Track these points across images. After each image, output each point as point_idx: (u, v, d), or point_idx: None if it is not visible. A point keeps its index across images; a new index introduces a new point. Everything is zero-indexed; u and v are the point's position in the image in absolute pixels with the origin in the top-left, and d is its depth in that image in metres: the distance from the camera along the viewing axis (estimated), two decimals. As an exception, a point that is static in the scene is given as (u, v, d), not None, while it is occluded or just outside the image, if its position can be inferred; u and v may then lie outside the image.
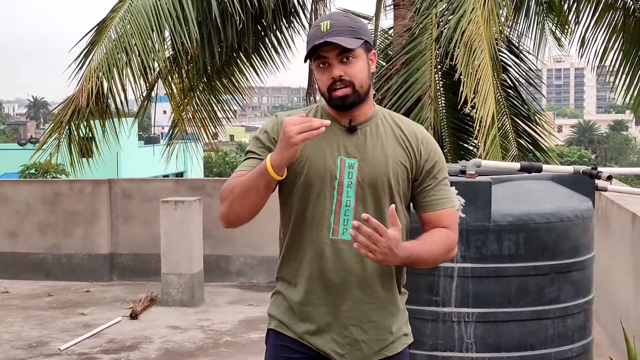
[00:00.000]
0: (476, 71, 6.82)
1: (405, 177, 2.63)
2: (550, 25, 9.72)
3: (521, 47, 8.87)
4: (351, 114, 2.61)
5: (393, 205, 2.42)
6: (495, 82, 7.82)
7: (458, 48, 7.05)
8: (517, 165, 4.14)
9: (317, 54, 2.54)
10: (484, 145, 6.86)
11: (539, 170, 4.07)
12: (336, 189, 2.57)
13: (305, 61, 2.61)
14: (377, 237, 2.35)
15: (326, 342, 2.62)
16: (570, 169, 4.08)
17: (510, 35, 8.93)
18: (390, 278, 2.65)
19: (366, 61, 2.59)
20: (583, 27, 9.03)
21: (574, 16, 9.12)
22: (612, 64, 9.07)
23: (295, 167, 2.59)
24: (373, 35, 8.93)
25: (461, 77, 6.98)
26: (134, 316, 7.76)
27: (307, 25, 9.20)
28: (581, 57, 9.32)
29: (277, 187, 2.62)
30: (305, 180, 2.59)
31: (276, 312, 2.71)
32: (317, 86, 2.61)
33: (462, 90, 6.91)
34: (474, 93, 6.84)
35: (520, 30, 9.40)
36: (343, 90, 2.54)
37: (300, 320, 2.64)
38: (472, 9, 7.10)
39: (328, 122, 2.41)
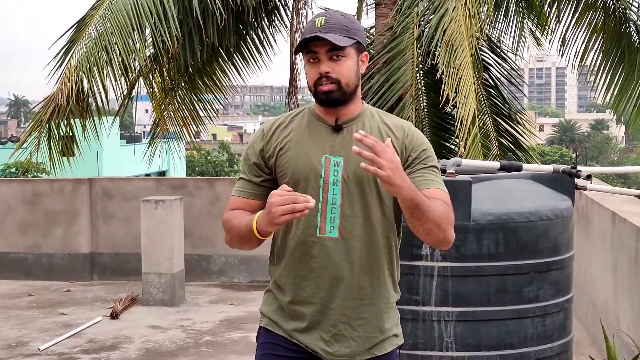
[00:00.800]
0: (457, 70, 6.83)
1: None
2: (530, 24, 9.75)
3: (502, 47, 8.90)
4: (337, 112, 2.62)
5: (361, 131, 2.36)
6: (476, 81, 7.84)
7: (439, 47, 7.06)
8: (496, 164, 4.15)
9: (308, 48, 2.57)
10: (465, 144, 6.87)
11: (519, 169, 4.08)
12: (322, 187, 2.59)
13: (296, 54, 2.65)
14: (382, 146, 2.31)
15: (314, 339, 2.63)
16: (550, 168, 4.10)
17: (491, 35, 8.96)
18: (381, 275, 2.64)
19: (356, 61, 2.60)
20: (563, 26, 9.08)
21: (555, 15, 9.16)
22: (593, 63, 9.11)
23: (280, 168, 2.64)
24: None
25: (442, 76, 6.99)
26: (114, 316, 7.72)
27: (288, 24, 9.18)
28: (562, 56, 9.35)
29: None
30: (290, 180, 2.61)
31: (267, 310, 2.73)
32: (306, 80, 2.65)
33: (444, 89, 6.93)
34: (455, 92, 6.86)
35: (499, 29, 9.44)
36: (328, 86, 2.56)
37: (290, 319, 2.66)
38: (454, 8, 7.11)
39: (312, 202, 2.37)
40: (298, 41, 2.61)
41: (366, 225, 2.59)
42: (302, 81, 9.43)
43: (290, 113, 2.74)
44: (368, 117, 2.66)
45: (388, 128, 2.65)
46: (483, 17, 7.73)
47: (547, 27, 9.54)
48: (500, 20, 9.46)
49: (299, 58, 9.20)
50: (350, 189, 2.59)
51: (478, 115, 8.33)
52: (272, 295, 2.72)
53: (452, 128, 8.13)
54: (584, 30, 8.98)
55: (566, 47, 9.18)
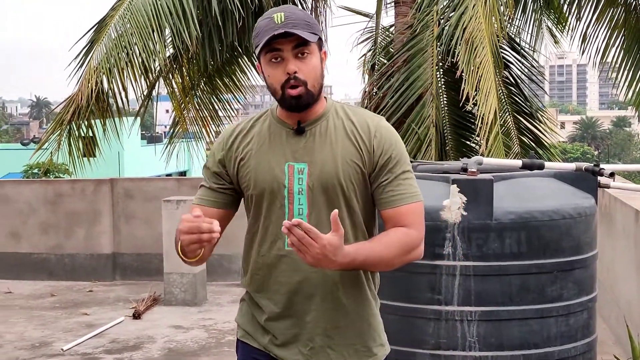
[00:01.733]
0: (478, 68, 6.81)
1: (360, 177, 2.44)
2: (548, 22, 9.70)
3: (522, 44, 8.85)
4: (300, 114, 2.44)
5: (335, 211, 2.23)
6: (497, 79, 7.80)
7: (459, 45, 7.03)
8: (519, 162, 4.12)
9: (269, 46, 2.36)
10: (486, 143, 6.84)
11: (541, 167, 4.05)
12: (286, 198, 2.43)
13: (257, 52, 2.41)
14: (309, 241, 2.20)
15: (292, 354, 2.50)
16: (572, 166, 4.06)
17: (510, 32, 8.91)
18: (356, 284, 2.50)
19: (319, 58, 2.43)
20: (584, 23, 9.02)
21: (575, 12, 9.10)
22: (614, 60, 9.05)
23: (242, 179, 2.50)
24: (374, 32, 8.91)
25: (463, 74, 6.96)
26: (136, 316, 7.75)
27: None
28: (583, 53, 9.29)
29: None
30: (254, 192, 2.47)
31: (241, 321, 2.62)
32: (266, 84, 2.45)
33: (464, 88, 6.90)
34: (475, 90, 6.83)
35: (517, 26, 9.39)
36: (298, 89, 2.37)
37: (265, 332, 2.53)
38: (473, 6, 7.08)
39: (217, 232, 2.24)
40: (258, 40, 2.38)
41: None
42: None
43: (252, 118, 2.57)
44: (332, 115, 2.48)
45: (354, 126, 2.46)
46: (503, 14, 7.69)
47: (566, 25, 9.49)
48: (519, 18, 9.41)
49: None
50: (316, 197, 2.42)
51: (499, 114, 8.30)
52: (246, 305, 2.61)
53: (473, 126, 8.10)
54: (605, 27, 8.92)
55: (587, 44, 9.12)
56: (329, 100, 2.52)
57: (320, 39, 2.43)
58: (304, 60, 2.38)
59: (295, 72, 2.36)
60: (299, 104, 2.40)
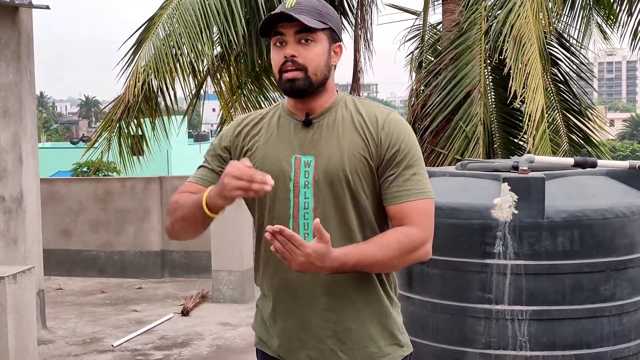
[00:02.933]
0: (525, 65, 6.75)
1: (367, 170, 2.35)
2: (597, 18, 9.57)
3: (571, 41, 8.75)
4: (308, 106, 2.38)
5: (317, 220, 2.17)
6: (545, 76, 7.73)
7: (507, 42, 6.98)
8: (570, 160, 4.07)
9: (275, 29, 2.33)
10: (533, 140, 6.78)
11: (594, 165, 4.00)
12: (292, 191, 2.35)
13: (262, 35, 2.38)
14: (292, 248, 2.15)
15: (301, 358, 2.42)
16: (625, 164, 4.01)
17: (560, 29, 8.81)
18: (368, 282, 2.39)
19: (326, 49, 2.35)
20: (635, 19, 8.87)
21: (627, 8, 8.97)
22: (665, 56, 8.90)
23: None
24: (421, 30, 8.87)
25: (510, 71, 6.91)
26: (185, 313, 7.82)
27: (353, 21, 9.17)
28: (633, 50, 9.15)
29: None
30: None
31: (256, 326, 2.56)
32: (272, 67, 2.41)
33: (511, 85, 6.84)
34: (523, 88, 6.77)
35: (565, 22, 9.28)
36: (293, 72, 2.31)
37: (275, 336, 2.46)
38: (521, 3, 7.02)
39: (269, 186, 2.15)
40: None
41: (342, 229, 2.35)
42: (366, 78, 9.41)
43: (263, 110, 2.52)
44: (341, 107, 2.40)
45: (362, 118, 2.38)
46: (551, 11, 7.62)
47: (615, 21, 9.35)
48: (567, 14, 9.30)
49: (362, 55, 9.17)
50: (322, 191, 2.34)
51: (547, 111, 8.21)
52: (258, 309, 2.55)
53: (521, 124, 8.03)
54: (657, 22, 8.77)
55: (638, 40, 8.98)
56: (340, 93, 2.46)
57: (332, 29, 2.36)
58: (306, 46, 2.32)
59: (293, 56, 2.31)
60: (292, 88, 2.33)
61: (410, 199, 2.33)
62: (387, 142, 2.34)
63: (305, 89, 2.33)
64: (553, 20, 8.07)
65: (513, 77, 6.85)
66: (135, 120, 8.30)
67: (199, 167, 2.50)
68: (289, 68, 2.31)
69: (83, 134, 57.15)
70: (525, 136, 7.66)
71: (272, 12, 2.32)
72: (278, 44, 2.34)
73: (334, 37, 2.38)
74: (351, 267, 2.27)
